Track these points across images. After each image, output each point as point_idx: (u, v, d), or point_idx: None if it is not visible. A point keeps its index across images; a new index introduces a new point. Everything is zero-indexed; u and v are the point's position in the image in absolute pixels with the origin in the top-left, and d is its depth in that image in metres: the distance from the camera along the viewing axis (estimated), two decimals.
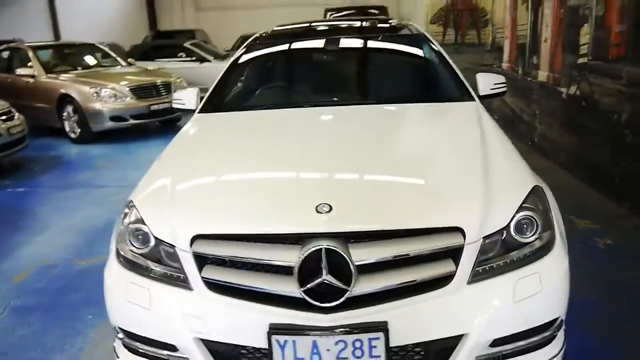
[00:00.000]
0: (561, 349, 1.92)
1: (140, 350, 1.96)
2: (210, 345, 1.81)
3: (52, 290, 3.23)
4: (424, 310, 1.73)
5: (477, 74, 3.18)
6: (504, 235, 1.83)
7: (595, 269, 3.11)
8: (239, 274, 1.78)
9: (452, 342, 1.76)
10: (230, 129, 2.76)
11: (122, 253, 1.99)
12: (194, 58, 11.38)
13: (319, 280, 1.68)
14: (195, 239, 1.80)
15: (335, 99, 3.03)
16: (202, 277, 1.79)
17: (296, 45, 3.53)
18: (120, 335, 2.01)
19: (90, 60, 9.13)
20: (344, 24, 4.03)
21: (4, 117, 5.96)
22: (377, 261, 1.71)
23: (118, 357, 2.05)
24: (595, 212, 3.99)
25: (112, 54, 9.50)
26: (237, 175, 2.21)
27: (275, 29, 3.86)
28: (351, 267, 1.67)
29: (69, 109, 7.65)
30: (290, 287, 1.71)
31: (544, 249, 1.88)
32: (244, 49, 3.49)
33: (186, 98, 3.27)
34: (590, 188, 4.50)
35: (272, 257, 1.74)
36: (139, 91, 7.79)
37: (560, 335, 1.93)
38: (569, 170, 4.94)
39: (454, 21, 7.97)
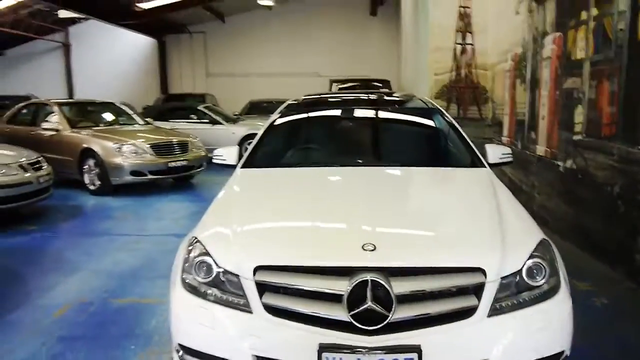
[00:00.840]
0: None
1: None
2: None
3: (93, 324, 3.50)
4: (451, 337, 2.06)
5: (486, 145, 3.63)
6: (517, 279, 2.19)
7: (593, 323, 3.43)
8: (295, 300, 2.12)
9: None
10: (275, 181, 3.17)
11: (187, 281, 2.33)
12: (206, 120, 11.98)
13: (365, 306, 2.02)
14: (257, 269, 2.16)
15: (362, 160, 3.46)
16: (263, 302, 2.12)
17: (326, 112, 4.02)
18: (181, 352, 2.30)
19: (109, 117, 9.68)
20: (365, 95, 4.54)
21: (35, 167, 6.36)
22: (413, 293, 2.06)
23: None
24: (592, 275, 4.34)
25: (130, 112, 10.07)
26: (289, 218, 2.60)
27: (305, 97, 4.35)
28: (392, 296, 2.02)
29: (91, 162, 8.08)
30: (339, 312, 2.05)
31: (552, 292, 2.24)
32: (279, 114, 3.96)
33: (227, 154, 3.70)
34: (587, 254, 4.87)
35: (325, 286, 2.09)
36: (157, 148, 8.26)
37: None
38: (567, 238, 5.32)
39: (456, 97, 8.64)
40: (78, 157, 8.15)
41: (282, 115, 3.96)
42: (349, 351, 2.01)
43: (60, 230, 6.12)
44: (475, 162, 3.40)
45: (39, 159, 6.66)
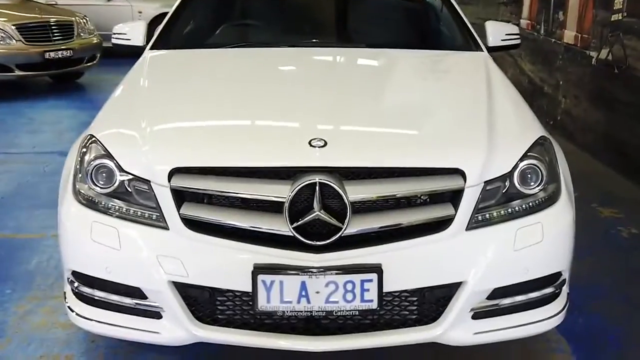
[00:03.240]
0: (562, 309, 2.61)
1: (100, 299, 2.52)
2: (185, 291, 2.41)
3: None
4: (420, 254, 2.37)
5: (486, 22, 3.88)
6: (507, 185, 2.50)
7: (615, 258, 3.87)
8: (222, 211, 2.38)
9: (447, 293, 2.43)
10: (197, 66, 3.38)
11: (82, 192, 2.56)
12: None
13: (312, 216, 2.28)
14: (174, 172, 2.39)
15: (317, 39, 3.69)
16: (181, 215, 2.38)
17: None
18: (76, 283, 2.57)
19: None
20: None
21: None
22: (373, 199, 2.35)
23: (72, 310, 2.60)
24: (622, 200, 4.79)
25: None
26: (217, 109, 2.84)
27: None
28: (346, 203, 2.29)
29: None
30: (279, 225, 2.32)
31: (549, 201, 2.56)
32: None
33: (131, 32, 3.86)
34: (619, 174, 5.31)
35: (261, 192, 2.34)
36: (28, 32, 8.21)
37: (563, 296, 2.62)
38: (597, 155, 5.75)
39: None
40: None
41: None
42: (292, 272, 2.30)
43: None
44: (470, 44, 3.66)
45: None
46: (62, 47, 8.48)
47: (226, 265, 2.36)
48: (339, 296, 2.32)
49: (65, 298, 2.66)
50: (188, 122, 2.75)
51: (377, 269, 2.32)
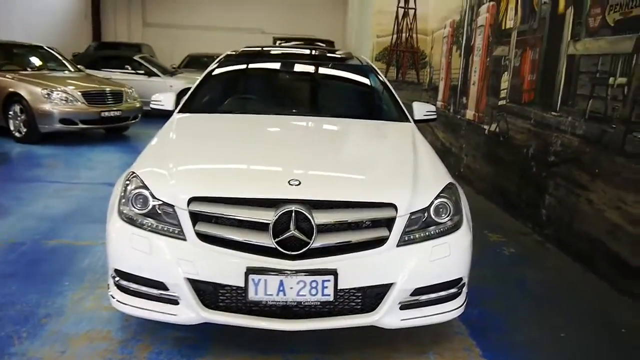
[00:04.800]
0: (463, 303, 2.64)
1: (134, 290, 2.49)
2: (196, 285, 2.39)
3: (24, 263, 3.62)
4: (364, 263, 2.40)
5: (413, 103, 3.97)
6: (426, 215, 2.54)
7: (500, 268, 3.93)
8: (224, 228, 2.38)
9: (382, 289, 2.44)
10: (211, 125, 3.40)
11: (124, 212, 2.53)
12: (142, 71, 11.78)
13: (289, 234, 2.32)
14: (192, 200, 2.39)
15: (295, 110, 3.73)
16: (195, 230, 2.37)
17: (264, 64, 4.24)
18: (117, 278, 2.53)
19: (38, 62, 9.36)
20: (306, 50, 4.78)
21: None
22: (332, 223, 2.37)
23: (114, 297, 2.56)
24: (505, 229, 4.87)
25: (61, 58, 9.78)
26: (223, 156, 2.86)
27: (245, 49, 4.53)
28: (313, 225, 2.32)
29: (16, 108, 7.87)
30: (265, 239, 2.34)
31: (455, 227, 2.61)
32: (217, 64, 4.13)
33: (165, 100, 3.85)
34: (505, 212, 5.41)
35: (253, 215, 2.36)
36: (90, 97, 8.14)
37: (463, 294, 2.66)
38: (487, 196, 5.85)
39: (396, 60, 8.99)
40: (2, 102, 7.91)
41: (220, 65, 4.14)
42: (273, 273, 2.31)
43: None
44: (402, 117, 3.74)
45: None
46: (114, 109, 8.41)
47: (226, 267, 2.36)
48: (306, 291, 2.34)
49: (108, 288, 2.62)
50: (202, 165, 2.79)
51: (333, 272, 2.35)
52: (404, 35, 8.74)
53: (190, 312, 2.40)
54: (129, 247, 2.45)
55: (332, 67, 4.32)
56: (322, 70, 4.25)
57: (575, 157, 4.16)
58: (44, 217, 4.62)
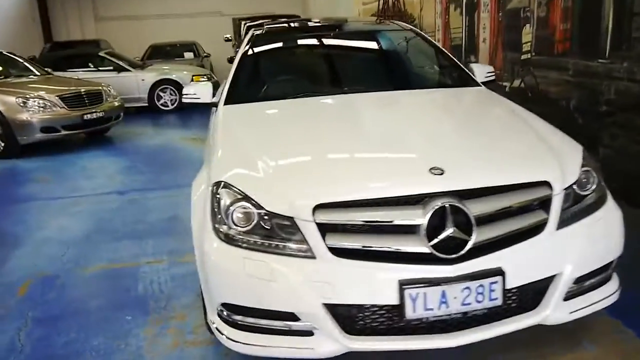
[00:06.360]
0: (619, 284, 2.24)
1: (251, 325, 1.99)
2: (333, 310, 1.90)
3: (68, 300, 3.03)
4: (528, 255, 1.97)
5: (471, 65, 3.51)
6: (572, 190, 2.12)
7: None
8: (363, 238, 1.90)
9: (546, 283, 2.02)
10: (278, 114, 2.84)
11: (223, 232, 2.00)
12: (109, 67, 10.85)
13: (446, 234, 1.85)
14: (316, 208, 1.89)
15: (356, 87, 3.17)
16: (327, 245, 1.87)
17: (300, 40, 3.67)
18: (226, 312, 2.02)
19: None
20: (334, 22, 4.20)
21: None
22: (492, 212, 1.92)
23: (222, 333, 2.04)
24: None
25: (24, 62, 8.81)
26: (327, 149, 2.31)
27: (269, 26, 3.94)
28: (471, 219, 1.86)
29: None
30: (416, 244, 1.87)
31: (601, 200, 2.20)
32: (248, 46, 3.52)
33: (200, 92, 3.25)
34: None
35: (397, 217, 1.88)
36: (68, 100, 7.32)
37: (615, 275, 2.26)
38: None
39: None
40: None
41: (253, 46, 3.54)
42: (433, 284, 1.85)
43: None
44: (469, 81, 3.28)
45: None
46: (96, 110, 7.61)
47: (374, 284, 1.88)
48: (472, 299, 1.89)
49: (206, 321, 2.14)
50: (308, 161, 2.22)
51: (500, 272, 1.90)
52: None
53: (330, 343, 1.92)
54: (242, 275, 1.93)
55: (375, 37, 3.77)
56: (366, 41, 3.71)
57: (637, 103, 3.82)
58: (64, 240, 3.98)
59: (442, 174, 1.94)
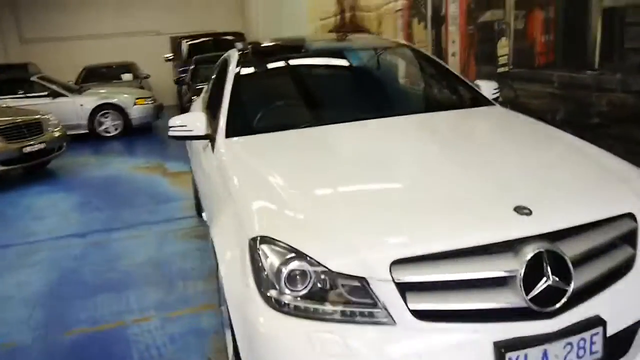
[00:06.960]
0: None
1: None
2: None
3: None
4: (623, 296, 1.76)
5: (477, 81, 3.32)
6: None
7: None
8: (451, 296, 1.61)
9: (637, 325, 1.82)
10: (298, 148, 2.45)
11: (275, 298, 1.65)
12: (44, 93, 10.03)
13: (545, 284, 1.60)
14: (393, 264, 1.59)
15: (367, 113, 2.80)
16: (410, 308, 1.57)
17: (298, 61, 3.34)
18: None
19: None
20: (333, 40, 3.90)
21: None
22: (586, 253, 1.70)
23: None
24: None
25: None
26: (381, 187, 2.01)
27: (254, 44, 3.60)
28: (569, 264, 1.63)
29: None
30: (510, 298, 1.61)
31: None
32: (238, 69, 3.14)
33: (192, 123, 2.83)
34: None
35: (490, 269, 1.61)
36: (5, 132, 6.61)
37: None
38: None
39: None
40: None
41: (243, 66, 3.15)
42: (534, 344, 1.59)
43: None
44: (482, 100, 3.08)
45: None
46: (37, 142, 6.92)
47: (466, 348, 1.59)
48: (573, 355, 1.64)
49: None
50: (369, 206, 1.86)
51: (601, 320, 1.67)
52: (347, 14, 8.06)
53: None
54: (311, 354, 1.58)
55: (376, 56, 3.47)
56: (368, 60, 3.43)
57: (634, 114, 3.79)
58: (28, 299, 3.43)
59: (530, 214, 1.69)
